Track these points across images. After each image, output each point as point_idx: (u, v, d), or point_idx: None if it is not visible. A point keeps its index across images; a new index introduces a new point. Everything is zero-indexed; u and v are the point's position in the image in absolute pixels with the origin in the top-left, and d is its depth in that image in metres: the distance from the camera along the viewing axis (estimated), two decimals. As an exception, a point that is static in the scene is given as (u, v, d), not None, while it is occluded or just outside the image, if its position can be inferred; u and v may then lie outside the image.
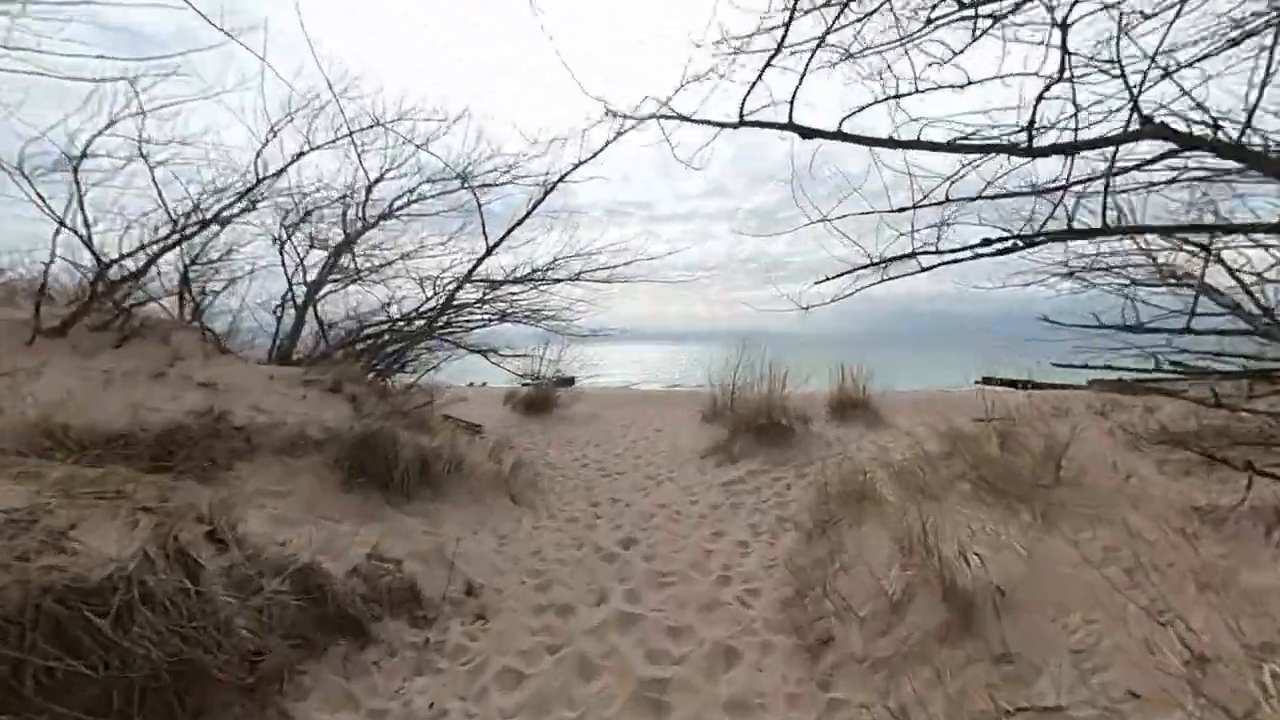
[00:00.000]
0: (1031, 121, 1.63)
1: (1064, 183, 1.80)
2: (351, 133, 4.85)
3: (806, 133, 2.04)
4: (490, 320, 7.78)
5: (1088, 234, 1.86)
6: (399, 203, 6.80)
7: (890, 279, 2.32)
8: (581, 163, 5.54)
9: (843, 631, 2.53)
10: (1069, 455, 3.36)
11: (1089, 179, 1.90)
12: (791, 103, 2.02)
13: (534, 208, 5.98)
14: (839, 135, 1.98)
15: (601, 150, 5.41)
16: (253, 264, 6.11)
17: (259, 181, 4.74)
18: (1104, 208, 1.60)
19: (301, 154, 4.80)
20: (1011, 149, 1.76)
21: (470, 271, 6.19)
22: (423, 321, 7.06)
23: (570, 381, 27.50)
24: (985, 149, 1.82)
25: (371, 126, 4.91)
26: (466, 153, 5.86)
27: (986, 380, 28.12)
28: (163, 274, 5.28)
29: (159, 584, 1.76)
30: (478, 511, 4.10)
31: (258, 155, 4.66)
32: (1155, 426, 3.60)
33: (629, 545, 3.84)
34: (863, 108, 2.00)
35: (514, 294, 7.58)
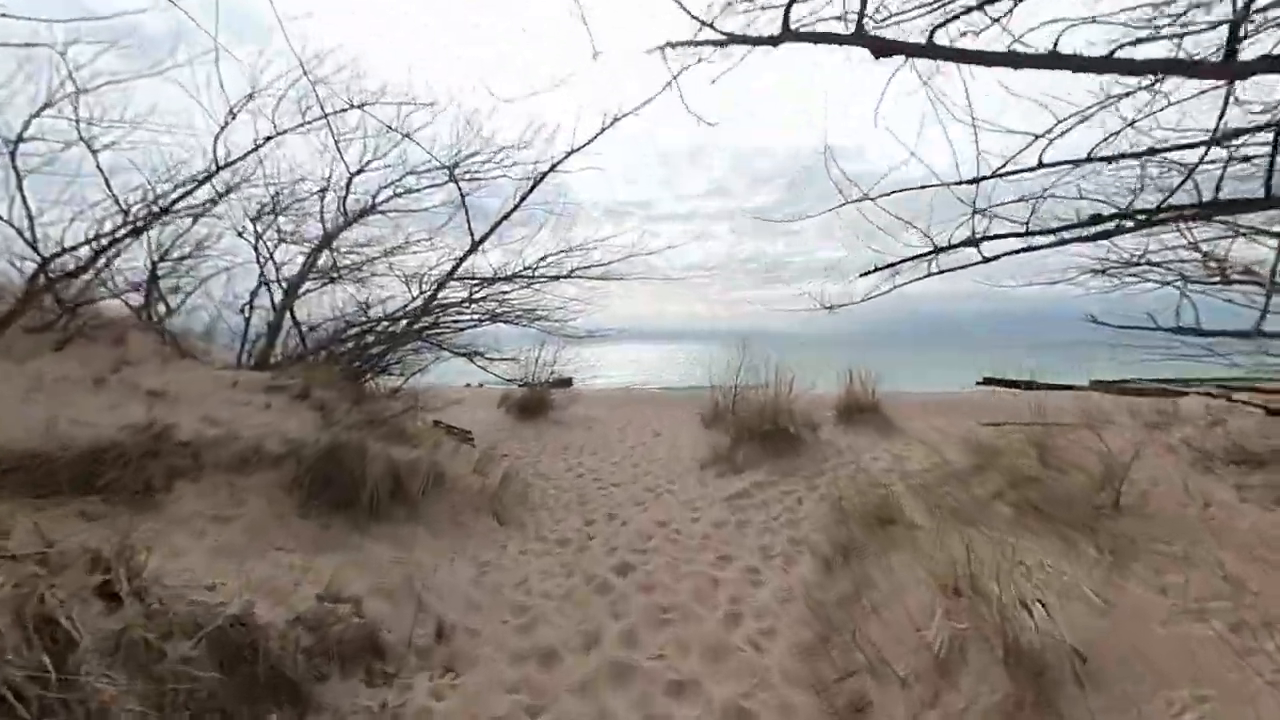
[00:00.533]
0: (1235, 27, 1.14)
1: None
2: (325, 115, 4.41)
3: (881, 47, 1.54)
4: (480, 320, 7.34)
5: (1250, 205, 1.39)
6: (383, 196, 6.37)
7: (942, 271, 1.89)
8: (574, 150, 5.11)
9: (880, 695, 2.10)
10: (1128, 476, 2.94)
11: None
12: (862, 11, 1.51)
13: (523, 199, 5.55)
14: (928, 50, 1.49)
15: (597, 137, 4.99)
16: (230, 261, 5.67)
17: (219, 168, 4.29)
18: (1270, 171, 1.17)
19: (268, 138, 4.36)
20: (1191, 67, 1.26)
21: (454, 268, 5.75)
22: (406, 322, 6.63)
23: (567, 382, 27.14)
24: (1159, 67, 1.30)
25: (346, 110, 4.48)
26: (454, 143, 5.43)
27: (988, 381, 27.57)
28: (120, 270, 4.83)
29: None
30: (457, 534, 3.66)
31: (216, 139, 4.21)
32: (1226, 442, 3.18)
33: (625, 572, 3.41)
34: (955, 16, 1.49)
35: (505, 293, 7.15)
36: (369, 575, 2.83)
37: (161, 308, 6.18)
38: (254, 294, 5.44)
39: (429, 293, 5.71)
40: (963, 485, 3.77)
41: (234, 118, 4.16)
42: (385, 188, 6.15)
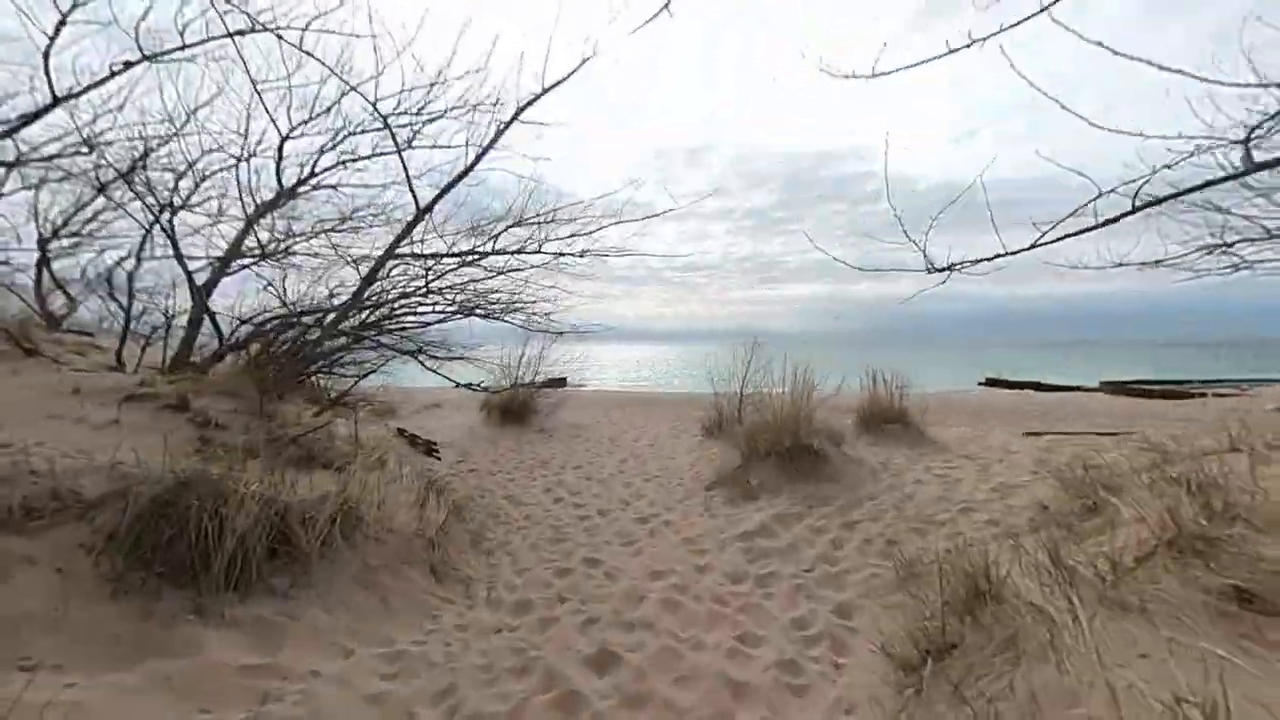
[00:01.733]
0: None
1: None
2: (211, 39, 3.30)
3: None
4: (448, 314, 6.23)
5: None
6: (325, 164, 5.26)
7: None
8: (545, 91, 4.00)
9: None
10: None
11: None
12: None
13: (483, 152, 4.43)
14: None
15: (571, 75, 3.90)
16: (143, 239, 4.55)
17: (56, 102, 3.14)
18: None
19: (127, 65, 3.21)
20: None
21: (395, 243, 4.61)
22: (338, 315, 5.51)
23: (561, 383, 26.05)
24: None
25: (248, 32, 3.34)
26: (400, 90, 4.31)
27: (991, 382, 26.49)
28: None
29: None
30: (367, 606, 2.56)
31: (46, 57, 3.03)
32: None
33: (605, 668, 2.31)
34: None
35: (475, 281, 6.04)
36: (186, 705, 1.72)
37: (60, 299, 5.08)
38: (132, 274, 4.32)
39: (367, 275, 4.58)
40: (1073, 535, 2.69)
41: (64, 24, 3.00)
42: (325, 152, 5.04)
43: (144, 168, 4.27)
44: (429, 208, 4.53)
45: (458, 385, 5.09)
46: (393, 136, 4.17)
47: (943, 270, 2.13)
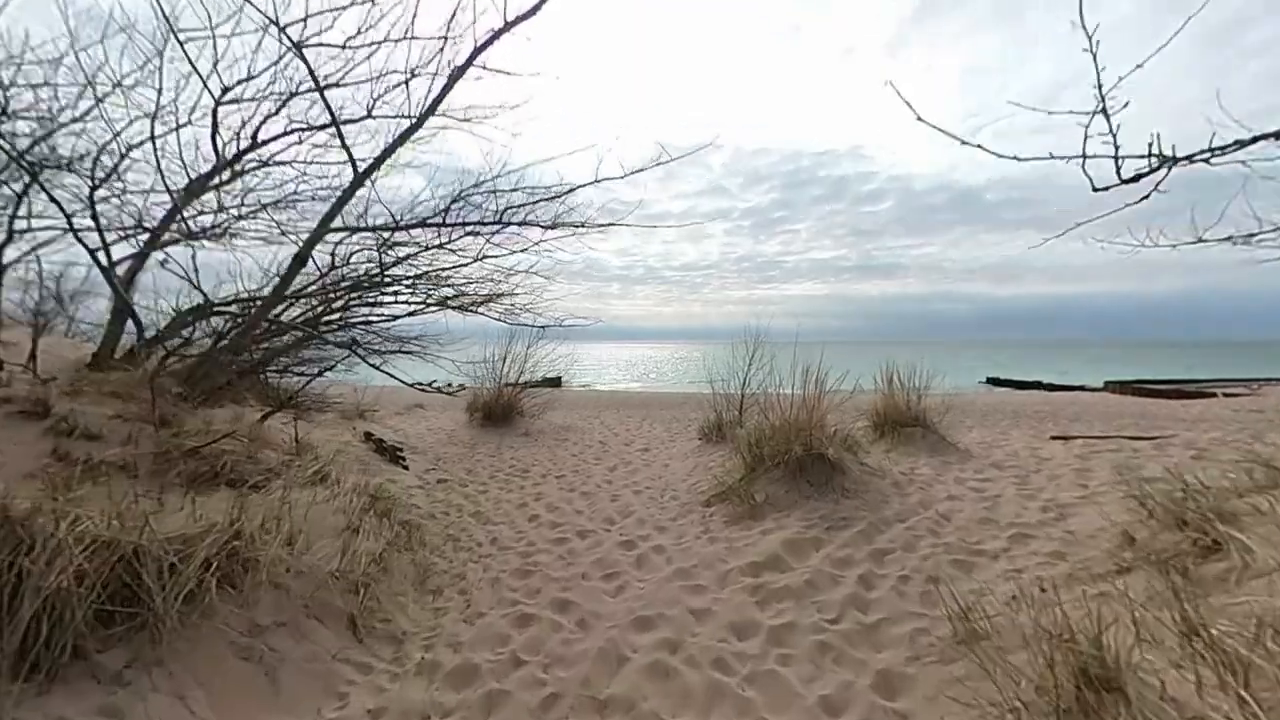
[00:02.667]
0: None
1: None
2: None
3: None
4: (415, 305, 5.54)
5: None
6: (271, 133, 4.55)
7: None
8: (512, 24, 3.27)
9: None
10: None
11: None
12: None
13: (438, 101, 3.70)
14: None
15: (540, 7, 3.19)
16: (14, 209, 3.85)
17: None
18: None
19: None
20: None
21: (328, 216, 3.88)
22: (314, 306, 4.82)
23: (556, 382, 25.32)
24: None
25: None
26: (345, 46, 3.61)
27: (993, 381, 25.73)
28: None
29: None
30: (242, 686, 1.86)
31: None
32: None
33: (563, 782, 1.63)
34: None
35: (447, 270, 5.35)
36: None
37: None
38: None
39: (297, 255, 3.84)
40: (1191, 583, 2.01)
41: None
42: (269, 119, 4.34)
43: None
44: (369, 172, 3.82)
45: (411, 385, 4.38)
46: (314, 81, 3.45)
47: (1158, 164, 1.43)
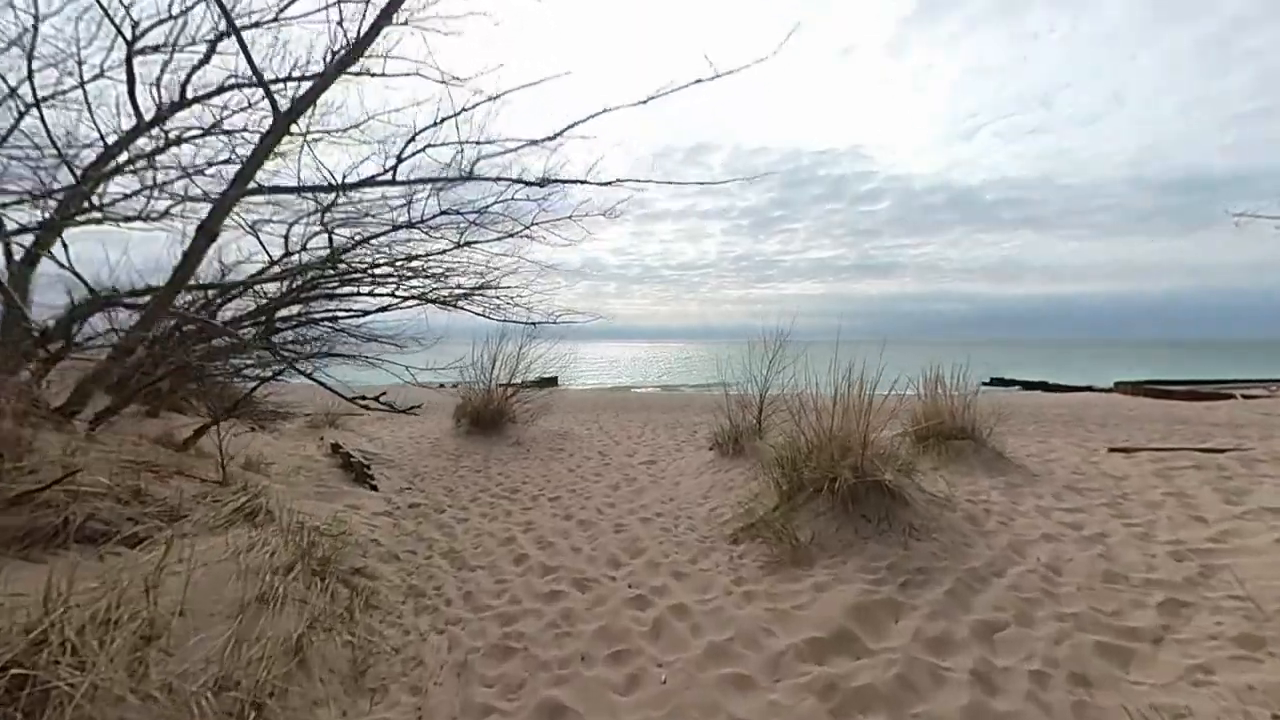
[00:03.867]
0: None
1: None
2: None
3: None
4: (388, 297, 4.70)
5: None
6: (203, 87, 3.70)
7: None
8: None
9: None
10: None
11: None
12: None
13: (381, 20, 2.83)
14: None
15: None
16: None
17: None
18: None
19: None
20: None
21: (244, 173, 2.95)
22: (258, 299, 3.97)
23: (552, 382, 24.32)
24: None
25: None
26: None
27: (996, 382, 24.90)
28: None
29: None
30: None
31: None
32: None
33: None
34: None
35: (417, 259, 4.51)
36: None
37: None
38: None
39: (202, 228, 2.94)
40: None
41: None
42: (200, 68, 3.49)
43: None
44: (296, 113, 2.96)
45: (350, 400, 3.55)
46: (222, 8, 2.58)
47: None
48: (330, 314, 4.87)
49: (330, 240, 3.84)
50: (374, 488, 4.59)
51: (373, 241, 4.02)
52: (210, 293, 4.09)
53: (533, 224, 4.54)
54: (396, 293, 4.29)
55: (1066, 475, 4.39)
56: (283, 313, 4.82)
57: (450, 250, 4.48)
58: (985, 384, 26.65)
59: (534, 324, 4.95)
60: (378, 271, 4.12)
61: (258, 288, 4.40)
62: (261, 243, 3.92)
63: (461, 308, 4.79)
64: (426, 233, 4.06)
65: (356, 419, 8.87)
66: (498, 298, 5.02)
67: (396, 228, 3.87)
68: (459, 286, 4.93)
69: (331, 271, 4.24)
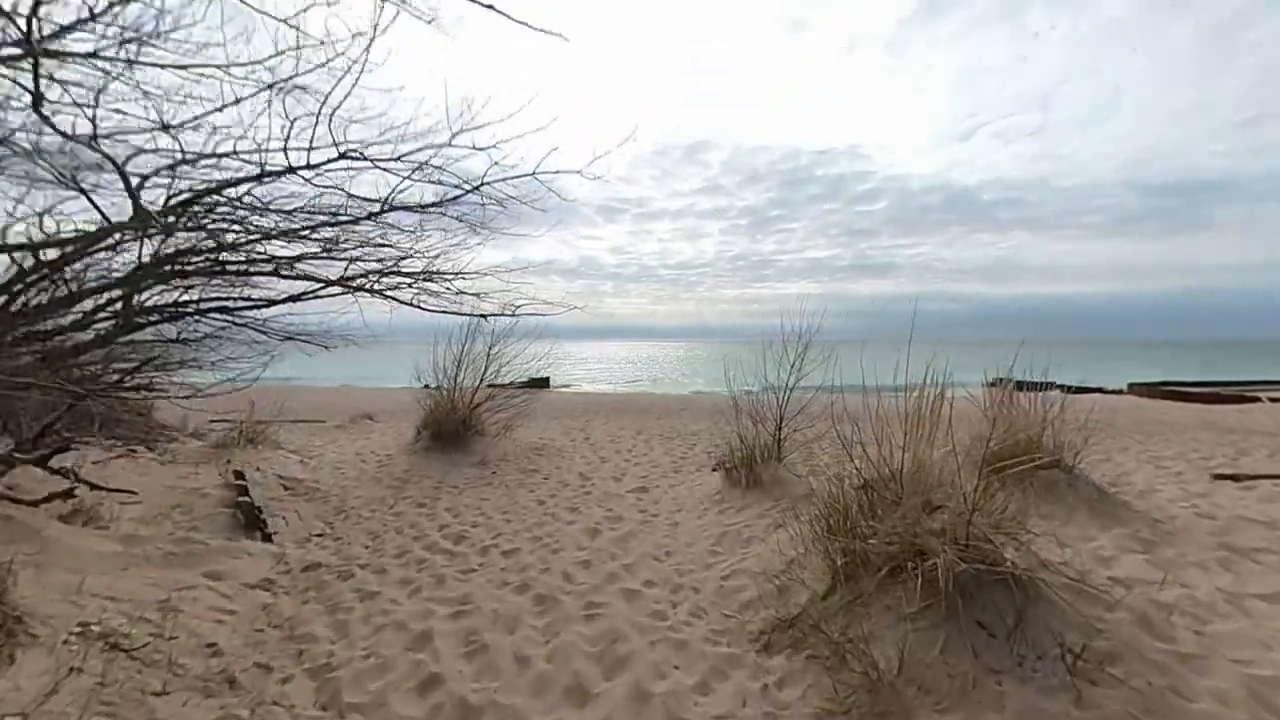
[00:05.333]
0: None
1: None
2: None
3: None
4: (290, 279, 3.46)
5: None
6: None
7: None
8: None
9: None
10: None
11: None
12: None
13: None
14: None
15: None
16: None
17: None
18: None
19: None
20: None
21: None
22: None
23: (544, 383, 23.00)
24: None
25: None
26: None
27: (999, 383, 23.01)
28: None
29: None
30: None
31: None
32: None
33: None
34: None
35: (337, 234, 3.28)
36: None
37: None
38: None
39: None
40: None
41: None
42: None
43: None
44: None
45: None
46: None
47: None
48: (219, 303, 3.62)
49: (204, 206, 2.63)
50: (268, 538, 3.36)
51: (273, 212, 2.80)
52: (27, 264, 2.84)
53: (483, 183, 3.33)
54: (278, 267, 3.06)
55: (1195, 519, 3.21)
56: (160, 300, 3.58)
57: (373, 220, 3.25)
58: (989, 385, 25.49)
59: (484, 316, 3.73)
60: (275, 250, 2.90)
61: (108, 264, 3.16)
62: (95, 203, 2.68)
63: (391, 297, 3.56)
64: (350, 195, 2.84)
65: (306, 429, 7.61)
66: (446, 287, 3.79)
67: (276, 173, 2.62)
68: (398, 270, 3.70)
69: (209, 245, 3.00)
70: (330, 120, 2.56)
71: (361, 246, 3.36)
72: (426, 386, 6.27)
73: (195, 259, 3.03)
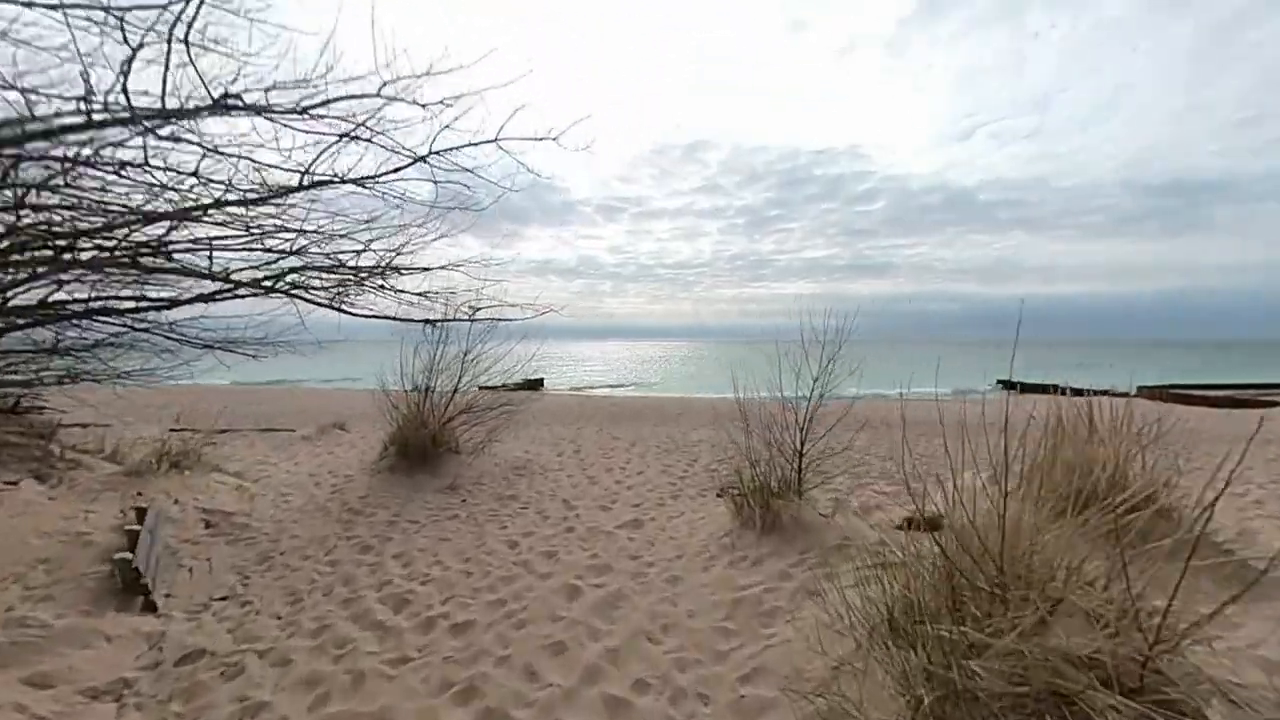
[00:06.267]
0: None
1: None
2: None
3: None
4: (217, 283, 2.69)
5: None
6: None
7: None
8: None
9: None
10: None
11: None
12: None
13: None
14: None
15: None
16: None
17: None
18: None
19: None
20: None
21: None
22: None
23: (538, 384, 22.12)
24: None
25: None
26: None
27: (1005, 384, 22.72)
28: None
29: None
30: None
31: None
32: None
33: None
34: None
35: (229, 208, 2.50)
36: None
37: None
38: None
39: None
40: None
41: None
42: None
43: None
44: None
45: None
46: None
47: None
48: (105, 303, 2.84)
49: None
50: (151, 605, 2.57)
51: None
52: None
53: (432, 151, 2.57)
54: (138, 260, 2.28)
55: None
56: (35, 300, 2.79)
57: (276, 201, 2.47)
58: (994, 386, 24.74)
59: (430, 323, 2.96)
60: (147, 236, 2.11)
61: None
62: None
63: (313, 299, 2.77)
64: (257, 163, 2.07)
65: (268, 441, 6.79)
66: (383, 285, 3.01)
67: (110, 122, 1.84)
68: (314, 265, 2.92)
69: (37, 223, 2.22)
70: (187, 47, 1.77)
71: (275, 234, 2.58)
72: (385, 391, 5.45)
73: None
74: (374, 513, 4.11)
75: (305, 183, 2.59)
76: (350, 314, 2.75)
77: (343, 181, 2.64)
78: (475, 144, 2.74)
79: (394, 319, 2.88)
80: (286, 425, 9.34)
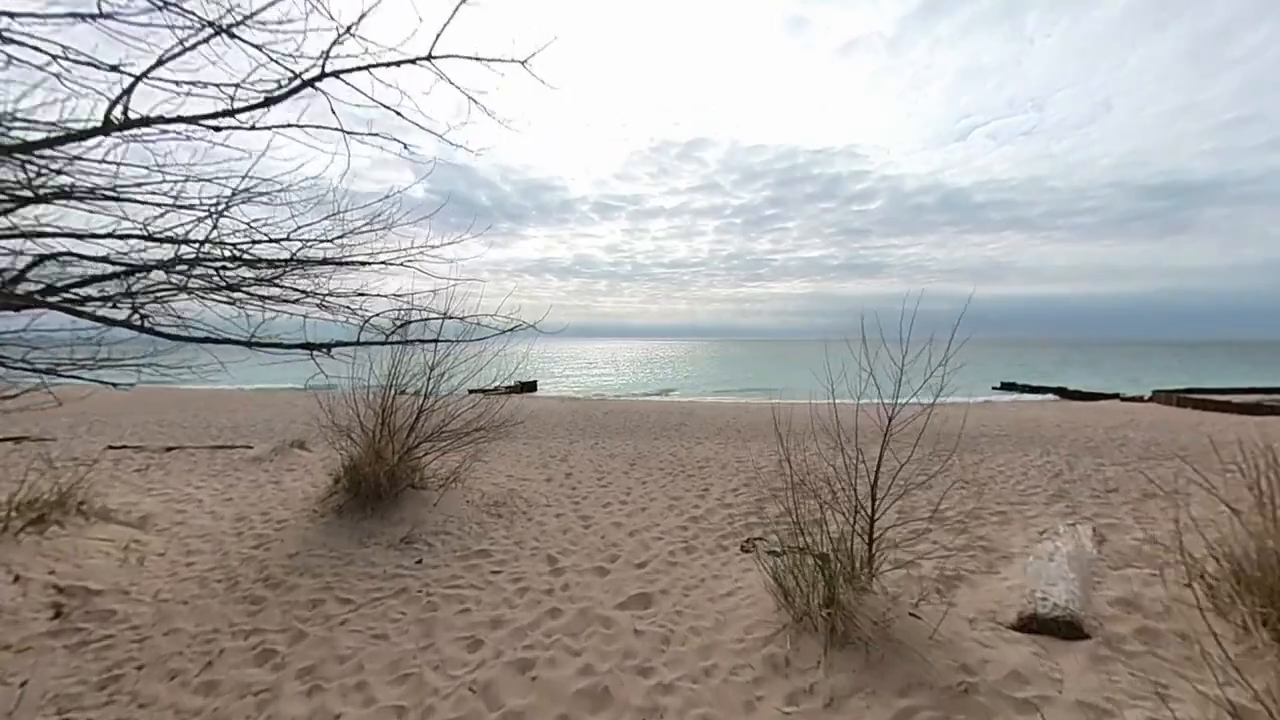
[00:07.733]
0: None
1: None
2: None
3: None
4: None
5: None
6: None
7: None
8: None
9: None
10: None
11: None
12: None
13: None
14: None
15: None
16: None
17: None
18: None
19: None
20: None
21: None
22: None
23: (531, 387, 20.95)
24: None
25: None
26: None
27: (1007, 387, 21.44)
28: None
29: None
30: None
31: None
32: None
33: None
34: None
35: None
36: None
37: None
38: None
39: None
40: None
41: None
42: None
43: None
44: None
45: None
46: None
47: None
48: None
49: None
50: None
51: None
52: None
53: (325, 72, 1.53)
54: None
55: None
56: None
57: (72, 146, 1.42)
58: (995, 388, 23.84)
59: (387, 335, 1.95)
60: None
61: None
62: None
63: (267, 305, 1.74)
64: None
65: (206, 464, 5.62)
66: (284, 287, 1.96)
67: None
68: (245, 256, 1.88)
69: None
70: None
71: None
72: (310, 390, 4.21)
73: None
74: (297, 584, 3.07)
75: (115, 120, 1.55)
76: (160, 334, 1.71)
77: (176, 121, 1.60)
78: (396, 63, 1.71)
79: (276, 345, 1.82)
80: (247, 440, 8.26)
